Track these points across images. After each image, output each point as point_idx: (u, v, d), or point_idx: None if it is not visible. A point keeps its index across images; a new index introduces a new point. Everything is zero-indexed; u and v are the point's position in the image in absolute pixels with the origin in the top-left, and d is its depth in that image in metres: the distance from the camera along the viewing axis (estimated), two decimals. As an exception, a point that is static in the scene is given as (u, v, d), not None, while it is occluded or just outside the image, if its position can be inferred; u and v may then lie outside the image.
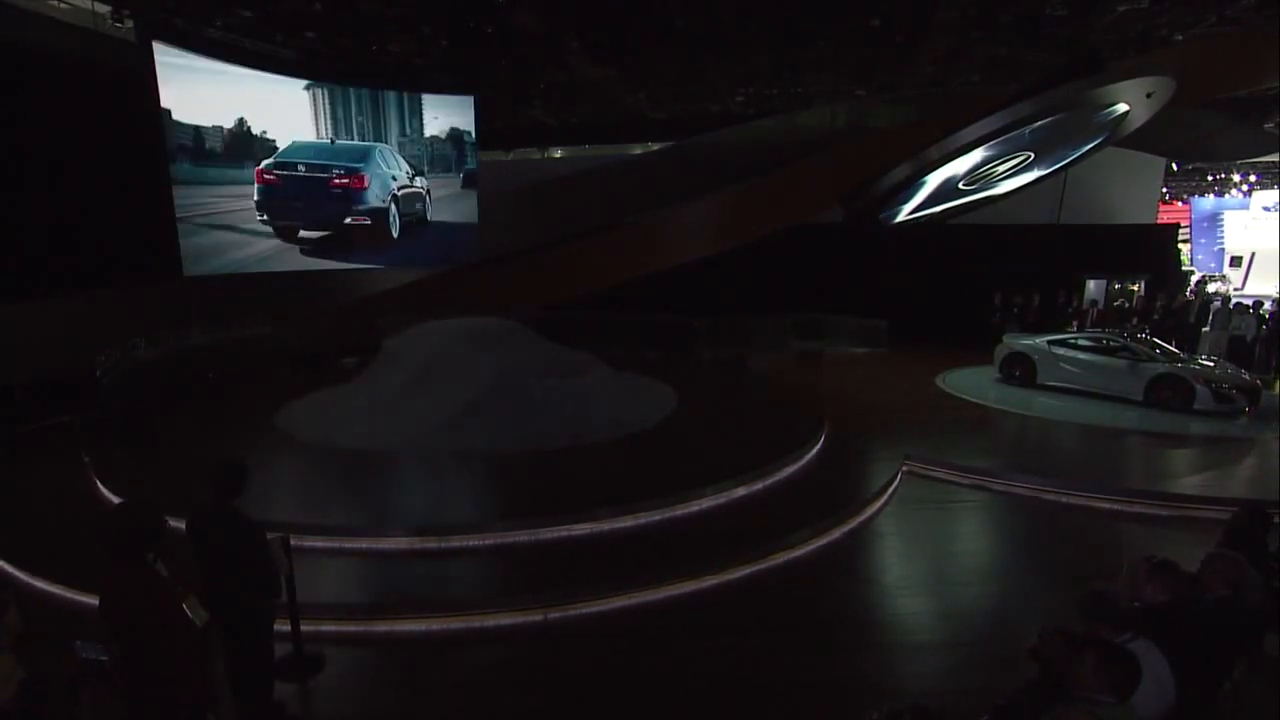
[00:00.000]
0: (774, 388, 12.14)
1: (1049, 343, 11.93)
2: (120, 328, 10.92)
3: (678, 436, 8.90)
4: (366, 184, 14.30)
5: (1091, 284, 17.23)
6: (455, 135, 15.69)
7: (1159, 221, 21.06)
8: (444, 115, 15.44)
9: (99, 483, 7.43)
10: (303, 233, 14.05)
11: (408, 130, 15.10)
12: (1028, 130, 12.12)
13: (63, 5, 12.28)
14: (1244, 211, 27.82)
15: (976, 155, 12.99)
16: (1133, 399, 10.73)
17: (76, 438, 8.61)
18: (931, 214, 16.28)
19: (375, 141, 14.58)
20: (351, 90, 14.35)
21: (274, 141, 13.46)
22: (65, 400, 9.90)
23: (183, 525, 3.73)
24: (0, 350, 10.19)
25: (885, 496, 7.49)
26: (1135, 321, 14.68)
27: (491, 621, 5.14)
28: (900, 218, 16.21)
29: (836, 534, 6.60)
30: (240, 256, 13.24)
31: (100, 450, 8.10)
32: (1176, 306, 14.89)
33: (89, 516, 6.34)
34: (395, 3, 12.05)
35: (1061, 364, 11.61)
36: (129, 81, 11.50)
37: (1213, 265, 28.28)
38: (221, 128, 12.72)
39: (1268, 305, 16.63)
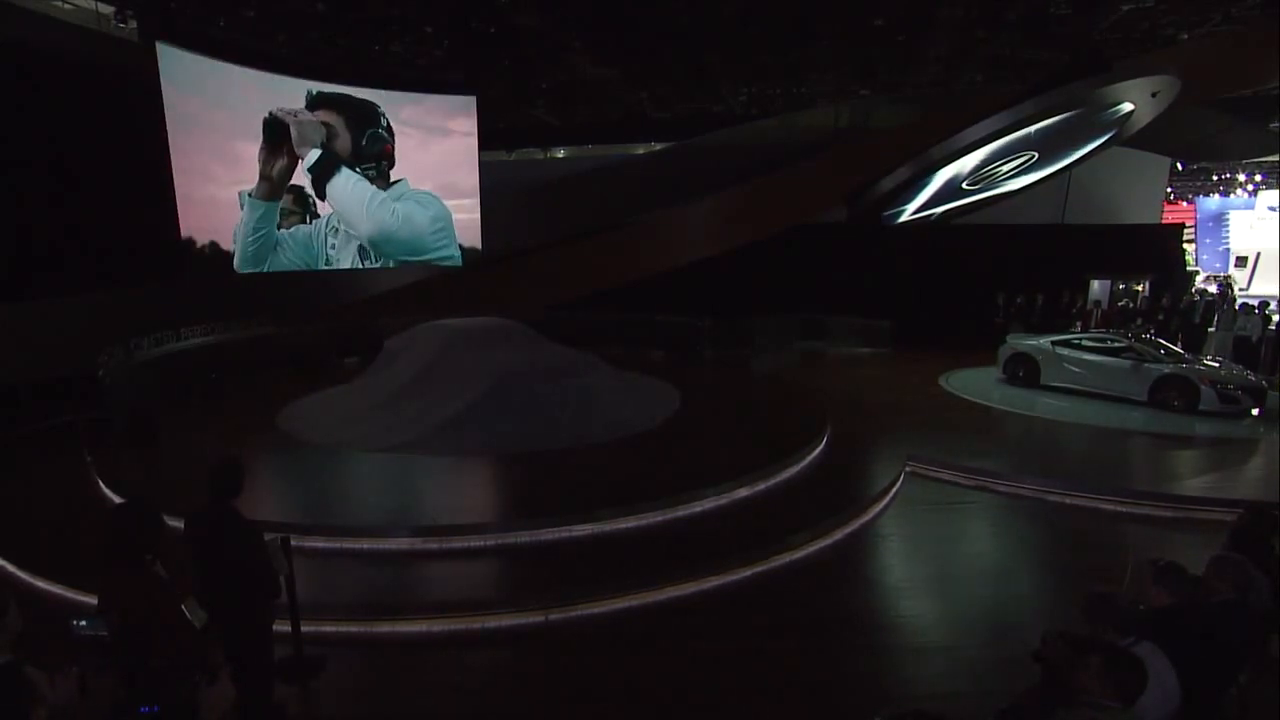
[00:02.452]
0: (777, 388, 12.10)
1: (1053, 343, 11.88)
2: (122, 327, 10.94)
3: (680, 437, 8.87)
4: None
5: (1096, 284, 17.17)
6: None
7: (1164, 221, 20.99)
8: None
9: (101, 483, 7.44)
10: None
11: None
12: (1032, 130, 12.11)
13: (67, 6, 12.32)
14: (1249, 211, 27.66)
15: (980, 155, 12.97)
16: (1137, 400, 10.67)
17: (79, 438, 8.62)
18: (935, 214, 16.27)
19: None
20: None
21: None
22: (67, 400, 9.92)
23: (182, 526, 3.72)
24: (3, 350, 10.20)
25: (888, 498, 7.45)
26: (1140, 322, 14.61)
27: (493, 622, 5.13)
28: (904, 218, 16.20)
29: (839, 535, 6.57)
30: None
31: (102, 450, 8.11)
32: (1183, 306, 14.81)
33: (91, 516, 6.34)
34: (398, 3, 12.06)
35: (1065, 364, 11.56)
36: (132, 82, 11.51)
37: (1218, 265, 28.16)
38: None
39: (1274, 305, 16.53)
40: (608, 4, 12.11)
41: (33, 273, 11.11)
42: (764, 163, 16.53)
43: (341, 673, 4.61)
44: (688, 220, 16.88)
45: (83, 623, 2.62)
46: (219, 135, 12.62)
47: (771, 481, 7.42)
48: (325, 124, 13.64)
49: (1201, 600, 3.31)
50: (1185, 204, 29.48)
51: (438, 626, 5.07)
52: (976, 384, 12.25)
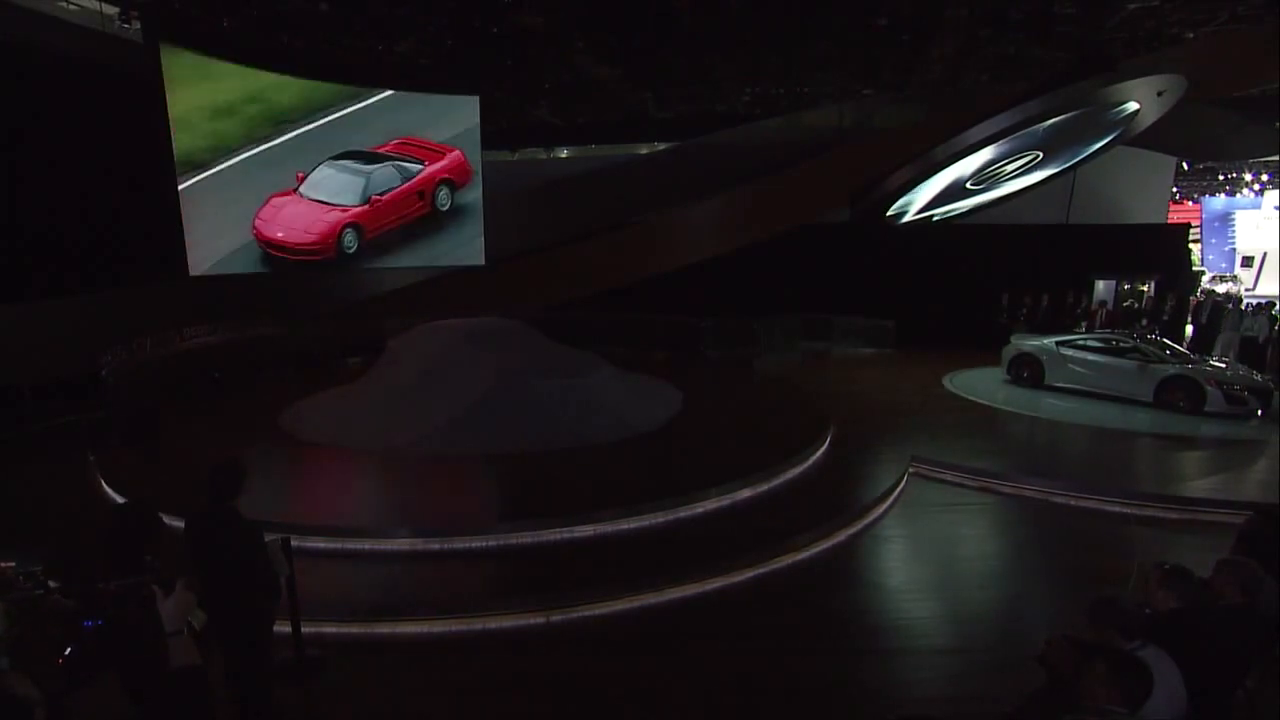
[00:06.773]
0: (780, 388, 12.07)
1: (1057, 343, 11.82)
2: (125, 327, 10.95)
3: (683, 438, 8.85)
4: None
5: (1101, 284, 17.06)
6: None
7: (1169, 221, 20.89)
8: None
9: (103, 482, 7.44)
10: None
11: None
12: (1037, 129, 12.03)
13: (71, 6, 12.33)
14: (1256, 211, 27.56)
15: (984, 154, 12.89)
16: (1143, 401, 10.61)
17: (81, 437, 8.63)
18: (938, 214, 16.19)
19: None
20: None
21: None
22: (70, 400, 9.93)
23: (182, 526, 3.71)
24: (6, 350, 10.23)
25: (891, 499, 7.42)
26: (1145, 322, 14.54)
27: (494, 624, 5.11)
28: (908, 218, 16.13)
29: (842, 536, 6.54)
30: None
31: (105, 450, 8.11)
32: (1192, 307, 14.71)
33: (93, 516, 6.33)
34: (401, 3, 12.05)
35: (1070, 365, 11.50)
36: (135, 82, 11.53)
37: (1224, 265, 28.05)
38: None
39: (1280, 306, 16.42)
40: (612, 4, 12.07)
41: (34, 272, 11.13)
42: (767, 163, 16.48)
43: (342, 675, 4.59)
44: (691, 220, 16.84)
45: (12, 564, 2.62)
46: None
47: (774, 482, 7.39)
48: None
49: (1208, 604, 3.28)
50: (1191, 204, 29.35)
51: (438, 628, 5.05)
52: (980, 384, 12.19)
